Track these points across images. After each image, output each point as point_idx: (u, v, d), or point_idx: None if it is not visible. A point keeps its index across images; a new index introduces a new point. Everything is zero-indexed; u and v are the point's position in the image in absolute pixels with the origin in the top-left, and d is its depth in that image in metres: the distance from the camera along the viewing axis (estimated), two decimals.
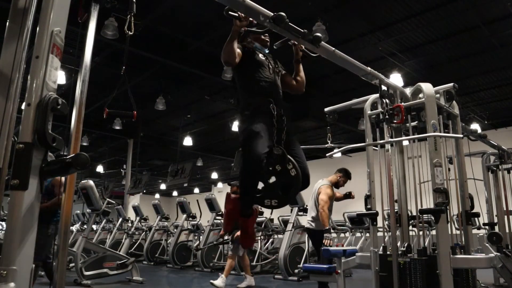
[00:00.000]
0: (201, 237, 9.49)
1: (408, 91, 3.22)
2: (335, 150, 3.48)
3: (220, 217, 8.57)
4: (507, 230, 4.66)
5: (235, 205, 2.71)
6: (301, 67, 2.69)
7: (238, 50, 2.36)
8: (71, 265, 5.83)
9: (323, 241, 4.42)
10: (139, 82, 8.64)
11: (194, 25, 6.73)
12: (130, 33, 1.82)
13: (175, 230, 9.75)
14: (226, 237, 6.49)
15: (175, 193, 23.10)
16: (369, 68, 2.76)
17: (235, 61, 2.33)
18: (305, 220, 5.06)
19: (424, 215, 3.04)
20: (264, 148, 2.22)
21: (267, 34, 2.60)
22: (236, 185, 5.88)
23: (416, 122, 3.15)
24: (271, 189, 2.28)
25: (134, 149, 13.18)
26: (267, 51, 2.60)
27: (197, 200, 9.39)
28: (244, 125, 2.34)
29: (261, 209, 5.61)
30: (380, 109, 3.04)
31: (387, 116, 2.90)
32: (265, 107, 2.32)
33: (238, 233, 5.13)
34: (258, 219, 7.41)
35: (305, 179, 2.35)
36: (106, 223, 11.02)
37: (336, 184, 4.84)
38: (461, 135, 3.37)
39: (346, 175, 4.88)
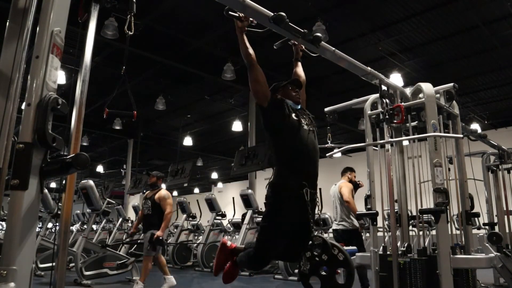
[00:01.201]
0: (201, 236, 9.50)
1: (408, 91, 3.22)
2: (335, 150, 3.47)
3: (220, 217, 8.57)
4: (507, 230, 4.66)
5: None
6: (300, 65, 2.70)
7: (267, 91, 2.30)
8: (71, 265, 5.83)
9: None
10: (139, 82, 8.65)
11: (194, 25, 6.73)
12: (130, 33, 1.82)
13: (175, 230, 9.74)
14: (136, 237, 6.08)
15: (175, 193, 23.08)
16: (369, 68, 2.77)
17: (254, 58, 2.26)
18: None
19: (424, 215, 3.04)
20: (276, 249, 2.19)
21: (297, 90, 2.46)
22: (156, 176, 5.25)
23: (416, 122, 3.15)
24: (327, 279, 2.15)
25: (134, 149, 13.19)
26: (299, 107, 2.45)
27: (197, 200, 9.40)
28: (272, 207, 2.25)
29: None
30: (380, 109, 3.05)
31: (387, 116, 2.90)
32: (298, 193, 2.18)
33: (158, 233, 4.71)
34: (256, 219, 7.40)
35: None
36: (106, 223, 11.01)
37: (349, 182, 5.05)
38: (461, 135, 3.37)
39: (351, 170, 5.19)
